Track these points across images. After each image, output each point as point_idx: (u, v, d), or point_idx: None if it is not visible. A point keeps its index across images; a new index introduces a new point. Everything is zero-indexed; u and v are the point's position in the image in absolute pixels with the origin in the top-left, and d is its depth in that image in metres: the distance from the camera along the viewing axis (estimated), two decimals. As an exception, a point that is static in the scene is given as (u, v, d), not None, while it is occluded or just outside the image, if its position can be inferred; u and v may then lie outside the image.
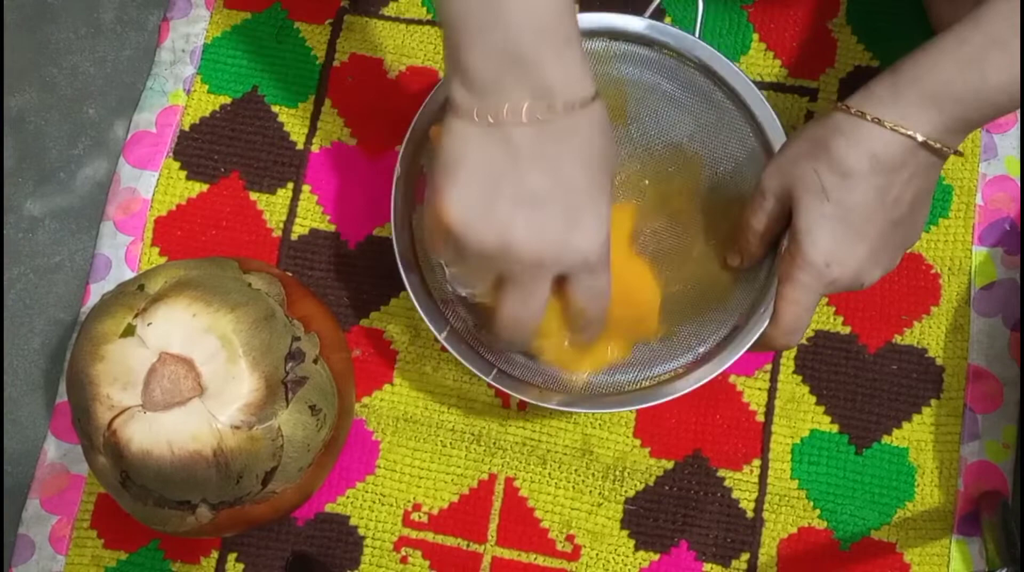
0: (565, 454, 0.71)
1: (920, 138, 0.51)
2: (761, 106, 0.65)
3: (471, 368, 0.63)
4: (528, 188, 0.49)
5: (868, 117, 0.52)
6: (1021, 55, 0.50)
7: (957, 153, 0.54)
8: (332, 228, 0.74)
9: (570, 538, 0.70)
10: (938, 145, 0.52)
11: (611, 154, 0.52)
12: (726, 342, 0.63)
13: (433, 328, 0.64)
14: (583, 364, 0.63)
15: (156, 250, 0.74)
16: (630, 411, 0.71)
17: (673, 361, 0.64)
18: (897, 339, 0.72)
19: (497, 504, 0.70)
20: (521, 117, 0.48)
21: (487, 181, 0.49)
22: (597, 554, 0.69)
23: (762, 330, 0.61)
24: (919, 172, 0.53)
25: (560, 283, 0.52)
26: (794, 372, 0.72)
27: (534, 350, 0.61)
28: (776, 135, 0.64)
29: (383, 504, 0.70)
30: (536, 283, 0.51)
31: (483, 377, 0.63)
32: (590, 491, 0.70)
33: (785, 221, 0.56)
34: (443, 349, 0.72)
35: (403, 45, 0.77)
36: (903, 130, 0.51)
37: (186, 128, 0.76)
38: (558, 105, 0.48)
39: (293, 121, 0.76)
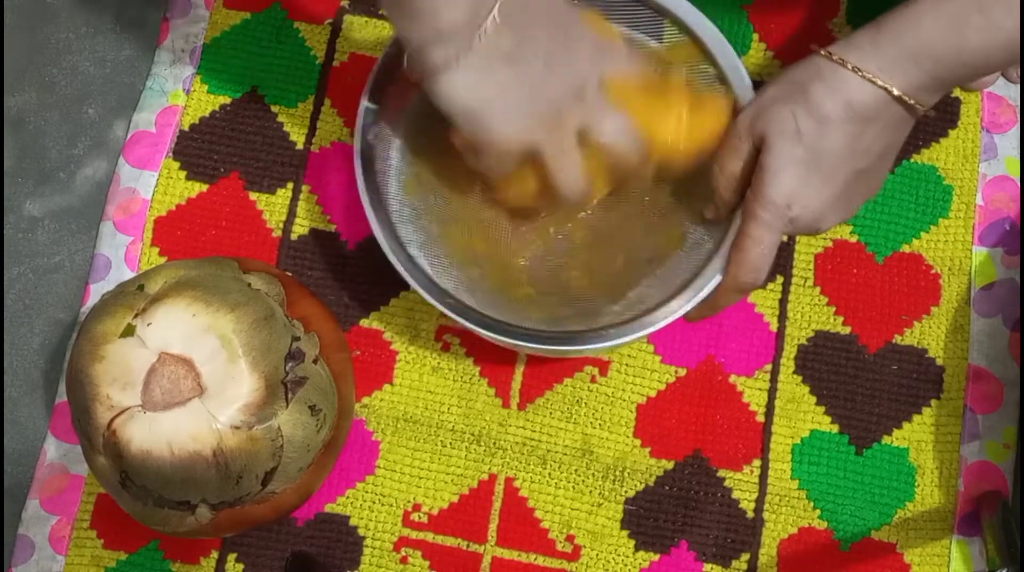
0: (565, 454, 0.71)
1: (896, 92, 0.52)
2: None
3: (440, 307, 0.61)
4: (541, 55, 0.52)
5: (848, 65, 0.52)
6: (1022, 34, 0.50)
7: (928, 112, 0.55)
8: (332, 228, 0.74)
9: (570, 538, 0.70)
10: (912, 101, 0.53)
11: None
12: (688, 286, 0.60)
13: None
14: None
15: (156, 250, 0.74)
16: (631, 411, 0.71)
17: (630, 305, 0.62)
18: (897, 339, 0.72)
19: (497, 504, 0.70)
20: (495, 23, 0.51)
21: (511, 88, 0.52)
22: (597, 554, 0.69)
23: (722, 275, 0.58)
24: (890, 125, 0.54)
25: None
26: (794, 372, 0.72)
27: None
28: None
29: (383, 504, 0.70)
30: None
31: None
32: (590, 491, 0.70)
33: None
34: (444, 348, 0.72)
35: (403, 45, 0.77)
36: (880, 82, 0.52)
37: (186, 128, 0.76)
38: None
39: (293, 121, 0.76)
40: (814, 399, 0.71)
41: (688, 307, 0.59)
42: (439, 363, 0.72)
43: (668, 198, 0.63)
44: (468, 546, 0.70)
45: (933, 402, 0.71)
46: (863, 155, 0.54)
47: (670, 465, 0.71)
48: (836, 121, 0.53)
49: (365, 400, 0.72)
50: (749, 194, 0.55)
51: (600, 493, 0.70)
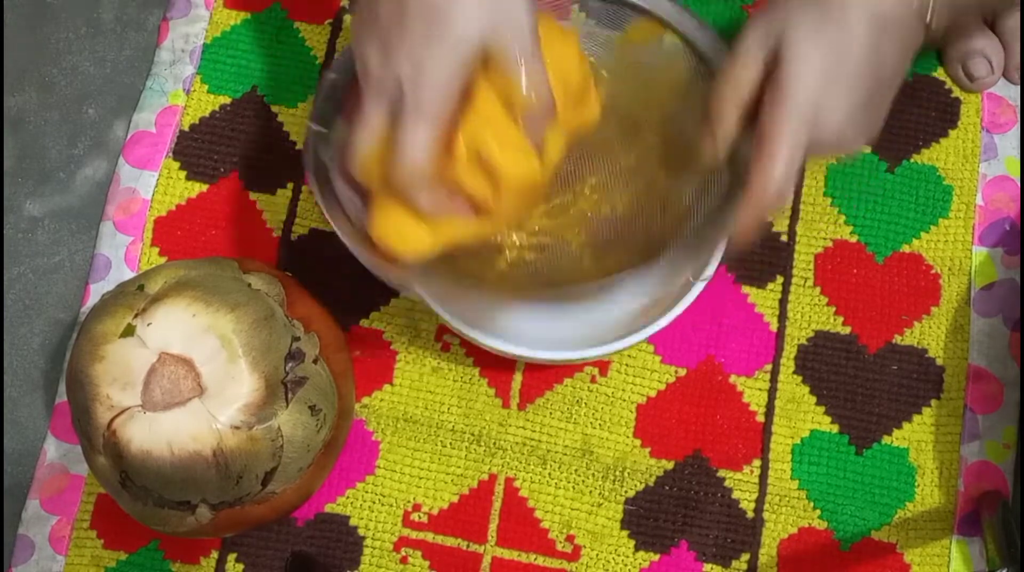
0: (565, 454, 0.71)
1: (916, 3, 0.52)
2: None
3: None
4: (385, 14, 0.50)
5: None
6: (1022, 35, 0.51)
7: (934, 37, 0.54)
8: (331, 228, 0.74)
9: (570, 538, 0.70)
10: (927, 13, 0.52)
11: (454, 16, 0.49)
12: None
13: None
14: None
15: (156, 250, 0.74)
16: (631, 411, 0.71)
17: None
18: (897, 339, 0.72)
19: (497, 504, 0.70)
20: None
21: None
22: (597, 554, 0.69)
23: (743, 199, 0.54)
24: (904, 38, 0.53)
25: None
26: (794, 372, 0.72)
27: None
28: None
29: (383, 504, 0.70)
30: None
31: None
32: (590, 491, 0.70)
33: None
34: (444, 348, 0.72)
35: (403, 45, 0.77)
36: None
37: (186, 128, 0.76)
38: None
39: (293, 121, 0.76)
40: (814, 399, 0.71)
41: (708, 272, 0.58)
42: (439, 363, 0.72)
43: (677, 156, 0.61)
44: (468, 546, 0.70)
45: (933, 402, 0.71)
46: (881, 65, 0.52)
47: (670, 465, 0.71)
48: (857, 24, 0.51)
49: (365, 400, 0.72)
50: (767, 107, 0.52)
51: (600, 493, 0.70)
